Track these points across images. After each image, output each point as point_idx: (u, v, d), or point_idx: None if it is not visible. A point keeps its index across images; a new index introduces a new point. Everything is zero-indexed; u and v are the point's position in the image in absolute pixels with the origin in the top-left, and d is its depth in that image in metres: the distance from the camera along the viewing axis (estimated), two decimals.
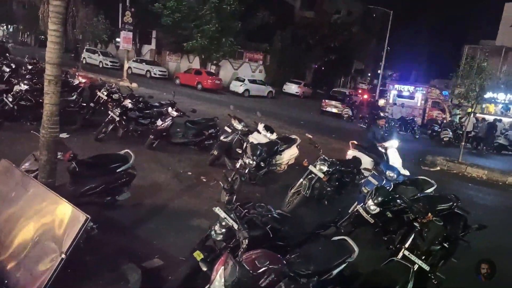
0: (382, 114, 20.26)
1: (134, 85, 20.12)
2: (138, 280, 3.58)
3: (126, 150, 5.13)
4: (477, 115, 18.67)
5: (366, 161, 7.75)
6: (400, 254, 4.02)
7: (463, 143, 13.55)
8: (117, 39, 29.01)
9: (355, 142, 8.53)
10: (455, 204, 5.24)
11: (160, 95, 15.98)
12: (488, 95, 15.07)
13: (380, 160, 7.95)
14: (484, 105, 19.38)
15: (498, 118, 19.59)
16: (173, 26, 28.23)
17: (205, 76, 27.49)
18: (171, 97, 9.91)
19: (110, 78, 19.71)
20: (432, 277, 3.86)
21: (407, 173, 7.41)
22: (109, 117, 8.70)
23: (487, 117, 19.82)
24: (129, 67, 27.50)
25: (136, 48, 34.64)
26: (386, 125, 18.87)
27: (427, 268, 3.81)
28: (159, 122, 8.68)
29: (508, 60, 26.44)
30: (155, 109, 9.80)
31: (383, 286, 3.58)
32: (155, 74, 30.23)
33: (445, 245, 4.38)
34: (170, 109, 8.89)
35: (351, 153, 8.23)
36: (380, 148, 8.34)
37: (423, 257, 3.97)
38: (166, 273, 3.84)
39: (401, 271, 3.77)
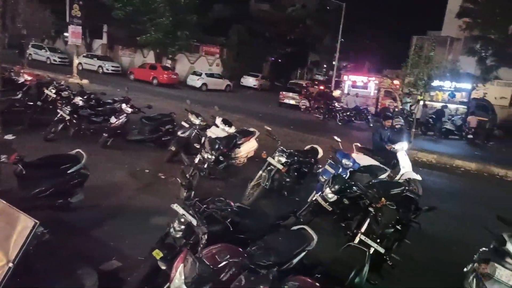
0: (337, 105, 20.84)
1: (85, 81, 19.37)
2: (94, 284, 3.46)
3: (78, 150, 4.97)
4: (426, 102, 19.59)
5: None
6: (357, 239, 4.18)
7: (413, 130, 14.23)
8: (66, 34, 27.57)
9: (359, 144, 8.00)
10: (406, 188, 5.48)
11: (114, 92, 15.42)
12: (436, 83, 15.87)
13: (387, 163, 7.38)
14: (433, 93, 20.35)
15: (444, 104, 20.66)
16: (126, 19, 27.31)
17: (161, 71, 26.91)
18: (125, 93, 9.60)
19: (59, 75, 18.74)
20: (388, 258, 4.06)
21: (418, 177, 7.10)
22: (58, 115, 8.31)
23: (435, 104, 20.85)
24: (80, 63, 26.36)
25: (86, 43, 33.18)
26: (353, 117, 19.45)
27: (382, 250, 3.99)
28: (113, 119, 8.39)
29: (453, 50, 27.92)
30: (108, 106, 9.47)
31: (341, 271, 3.71)
32: (107, 69, 29.18)
33: (398, 227, 4.58)
34: (124, 105, 8.64)
35: (355, 156, 7.41)
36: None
37: (378, 241, 4.13)
38: (124, 274, 3.73)
39: (357, 255, 3.92)
